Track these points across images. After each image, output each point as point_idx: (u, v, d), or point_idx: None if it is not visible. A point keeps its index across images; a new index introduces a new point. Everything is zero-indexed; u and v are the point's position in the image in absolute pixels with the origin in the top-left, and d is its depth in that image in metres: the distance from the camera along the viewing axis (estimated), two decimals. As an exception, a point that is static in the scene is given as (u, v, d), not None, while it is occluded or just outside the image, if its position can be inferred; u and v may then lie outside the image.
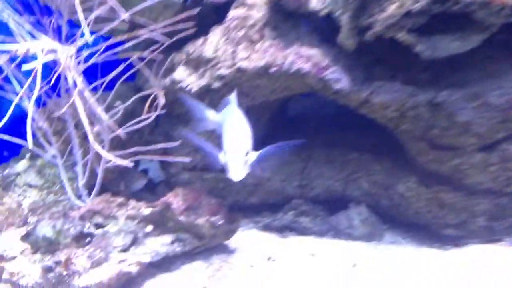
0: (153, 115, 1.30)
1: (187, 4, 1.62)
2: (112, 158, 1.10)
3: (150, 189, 1.68)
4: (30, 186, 1.39)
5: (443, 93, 1.38)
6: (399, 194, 1.59)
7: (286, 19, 1.52)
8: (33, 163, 1.44)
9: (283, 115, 1.81)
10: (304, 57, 1.47)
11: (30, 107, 0.93)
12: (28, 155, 1.48)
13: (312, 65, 1.46)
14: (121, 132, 1.20)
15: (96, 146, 1.04)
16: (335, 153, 1.71)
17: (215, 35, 1.57)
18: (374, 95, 1.41)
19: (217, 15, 1.66)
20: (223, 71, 1.49)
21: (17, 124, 1.26)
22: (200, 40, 1.58)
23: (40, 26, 1.11)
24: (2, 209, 1.25)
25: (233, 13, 1.55)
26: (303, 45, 1.49)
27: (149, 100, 1.27)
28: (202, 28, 1.64)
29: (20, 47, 0.99)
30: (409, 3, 1.27)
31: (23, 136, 1.12)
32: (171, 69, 1.60)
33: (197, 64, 1.56)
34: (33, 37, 1.04)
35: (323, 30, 1.50)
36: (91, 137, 1.05)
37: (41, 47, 0.97)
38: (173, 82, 1.57)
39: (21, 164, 1.43)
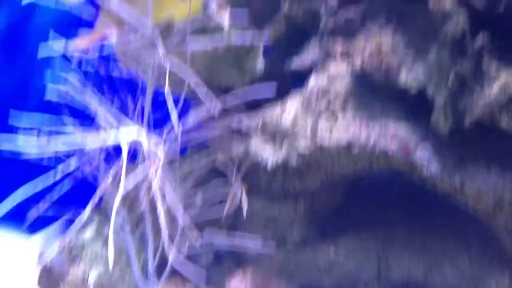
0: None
1: (265, 69, 1.55)
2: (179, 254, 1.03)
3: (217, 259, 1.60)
4: (96, 257, 1.34)
5: (547, 185, 1.23)
6: (491, 291, 1.42)
7: (371, 92, 1.42)
8: (100, 231, 1.40)
9: (358, 189, 1.69)
10: (390, 135, 1.36)
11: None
12: (96, 220, 1.44)
13: (399, 145, 1.35)
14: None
15: (165, 234, 0.98)
16: (415, 235, 1.57)
17: (294, 104, 1.49)
18: (468, 184, 1.27)
19: (297, 80, 1.60)
20: (302, 148, 1.40)
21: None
22: (278, 108, 1.51)
23: (124, 106, 1.07)
24: (68, 285, 1.20)
25: (314, 81, 1.48)
26: (389, 121, 1.39)
27: (230, 199, 1.18)
28: (279, 93, 1.57)
29: (103, 138, 0.95)
30: (513, 87, 1.16)
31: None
32: (246, 138, 1.54)
33: (274, 134, 1.49)
34: (117, 121, 1.01)
35: (411, 105, 1.40)
36: (163, 225, 0.99)
37: (125, 136, 0.93)
38: (248, 152, 1.50)
39: (89, 232, 1.39)
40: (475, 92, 1.20)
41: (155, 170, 0.99)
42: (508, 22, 1.18)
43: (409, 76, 1.30)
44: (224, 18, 1.32)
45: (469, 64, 1.19)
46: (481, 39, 1.17)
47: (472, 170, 1.28)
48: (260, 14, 1.51)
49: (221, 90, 1.56)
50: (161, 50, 1.04)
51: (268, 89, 1.38)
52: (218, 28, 1.24)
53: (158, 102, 1.13)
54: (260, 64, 1.42)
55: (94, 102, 1.02)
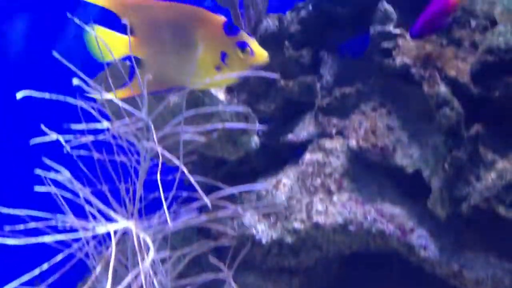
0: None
1: (260, 142, 1.54)
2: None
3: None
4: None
5: (547, 270, 1.21)
6: None
7: (367, 171, 1.41)
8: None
9: (354, 267, 1.66)
10: (386, 216, 1.34)
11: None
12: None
13: (396, 226, 1.32)
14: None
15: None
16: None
17: (289, 179, 1.48)
18: (466, 269, 1.25)
19: (292, 152, 1.59)
20: (297, 225, 1.38)
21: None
22: (273, 181, 1.50)
23: (116, 192, 1.06)
24: None
25: (309, 156, 1.47)
26: (385, 201, 1.37)
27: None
28: (274, 166, 1.56)
29: (93, 227, 0.93)
30: (509, 175, 1.15)
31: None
32: (240, 214, 1.51)
33: (269, 209, 1.47)
34: (107, 209, 0.99)
35: (408, 184, 1.38)
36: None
37: (115, 226, 0.90)
38: (241, 227, 1.47)
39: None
40: (472, 178, 1.20)
41: (144, 261, 0.96)
42: (503, 108, 1.19)
43: (405, 158, 1.30)
44: (220, 97, 1.33)
45: (465, 150, 1.18)
46: (476, 126, 1.17)
47: (470, 256, 1.25)
48: (257, 89, 1.51)
49: (216, 162, 1.56)
50: (154, 136, 1.03)
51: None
52: (215, 111, 1.24)
53: (152, 181, 1.11)
54: (254, 139, 1.41)
55: (84, 191, 1.00)
